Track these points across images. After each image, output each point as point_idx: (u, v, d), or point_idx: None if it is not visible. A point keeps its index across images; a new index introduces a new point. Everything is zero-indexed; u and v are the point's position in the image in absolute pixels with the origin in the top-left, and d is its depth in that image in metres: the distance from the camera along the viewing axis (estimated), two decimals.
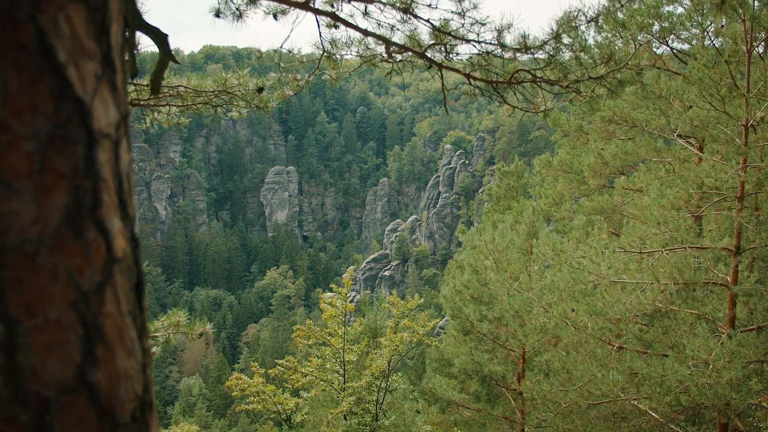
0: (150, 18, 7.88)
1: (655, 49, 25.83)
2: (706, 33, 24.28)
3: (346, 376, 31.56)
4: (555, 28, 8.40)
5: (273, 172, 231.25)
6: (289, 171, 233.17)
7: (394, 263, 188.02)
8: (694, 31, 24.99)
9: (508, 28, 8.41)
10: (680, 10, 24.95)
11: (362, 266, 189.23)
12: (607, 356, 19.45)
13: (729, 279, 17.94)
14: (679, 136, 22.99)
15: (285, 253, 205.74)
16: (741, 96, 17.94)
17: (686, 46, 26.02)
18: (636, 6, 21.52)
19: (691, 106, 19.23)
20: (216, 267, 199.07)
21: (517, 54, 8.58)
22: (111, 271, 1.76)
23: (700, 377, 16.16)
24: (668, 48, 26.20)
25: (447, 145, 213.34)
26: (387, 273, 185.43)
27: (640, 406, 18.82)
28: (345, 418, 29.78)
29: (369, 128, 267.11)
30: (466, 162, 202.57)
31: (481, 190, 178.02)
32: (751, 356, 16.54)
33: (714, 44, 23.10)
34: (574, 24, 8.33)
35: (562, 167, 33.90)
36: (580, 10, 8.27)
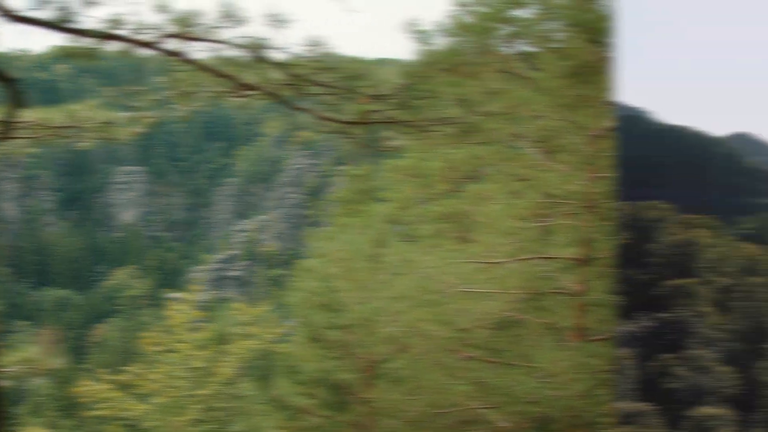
0: None
1: (502, 51, 25.88)
2: (552, 39, 24.41)
3: (193, 383, 31.17)
4: (406, 77, 8.65)
5: (121, 173, 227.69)
6: (137, 171, 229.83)
7: (242, 263, 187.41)
8: (540, 36, 25.13)
9: (361, 75, 8.64)
10: (527, 14, 25.04)
11: (210, 266, 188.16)
12: (455, 365, 19.39)
13: (577, 288, 18.03)
14: (528, 144, 23.06)
15: (133, 253, 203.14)
16: (589, 105, 18.03)
17: (535, 49, 26.13)
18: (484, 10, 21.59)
19: (539, 116, 19.27)
20: (64, 267, 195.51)
21: (372, 99, 8.85)
22: None
23: (548, 389, 16.18)
24: (516, 50, 26.26)
25: (295, 145, 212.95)
26: (235, 273, 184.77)
27: (489, 415, 18.80)
28: (193, 425, 29.45)
29: (217, 128, 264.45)
30: (315, 162, 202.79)
31: (329, 191, 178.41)
32: (600, 366, 16.63)
33: (562, 50, 23.24)
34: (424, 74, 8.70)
35: (410, 171, 33.82)
36: (432, 61, 8.65)
